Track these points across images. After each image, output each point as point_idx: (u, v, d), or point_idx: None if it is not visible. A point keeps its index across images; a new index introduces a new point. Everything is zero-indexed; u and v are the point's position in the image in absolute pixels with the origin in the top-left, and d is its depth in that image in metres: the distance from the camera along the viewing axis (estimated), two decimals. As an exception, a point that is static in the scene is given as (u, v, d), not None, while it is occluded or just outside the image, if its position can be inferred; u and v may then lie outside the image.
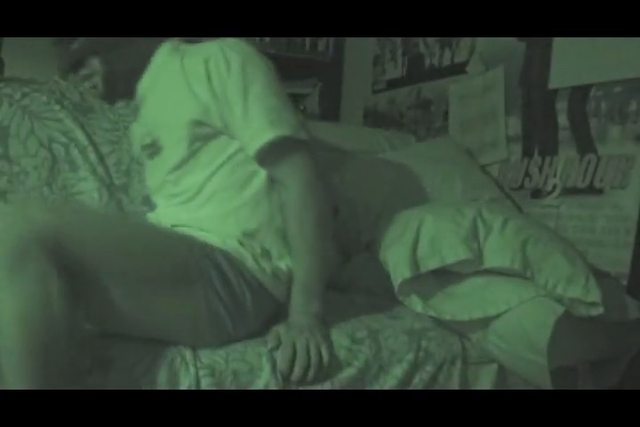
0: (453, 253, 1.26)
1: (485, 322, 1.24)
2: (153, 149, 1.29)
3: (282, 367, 1.10)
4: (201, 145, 1.23)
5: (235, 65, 1.20)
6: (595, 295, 1.20)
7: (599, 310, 1.20)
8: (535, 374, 1.22)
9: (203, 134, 1.22)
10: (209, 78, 1.20)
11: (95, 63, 1.29)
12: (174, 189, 1.27)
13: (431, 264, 1.27)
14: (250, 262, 1.18)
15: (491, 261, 1.26)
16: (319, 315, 1.19)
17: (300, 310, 1.19)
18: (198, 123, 1.21)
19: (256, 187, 1.24)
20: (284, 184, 1.21)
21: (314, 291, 1.19)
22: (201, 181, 1.24)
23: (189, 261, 1.11)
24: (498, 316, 1.22)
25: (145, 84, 1.31)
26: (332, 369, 1.13)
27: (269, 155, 1.20)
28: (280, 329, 1.15)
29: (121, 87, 1.32)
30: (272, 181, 1.24)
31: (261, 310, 1.19)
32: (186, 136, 1.22)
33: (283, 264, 1.23)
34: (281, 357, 1.10)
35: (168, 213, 1.28)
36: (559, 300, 1.21)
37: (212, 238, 1.19)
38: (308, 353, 1.11)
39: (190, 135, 1.22)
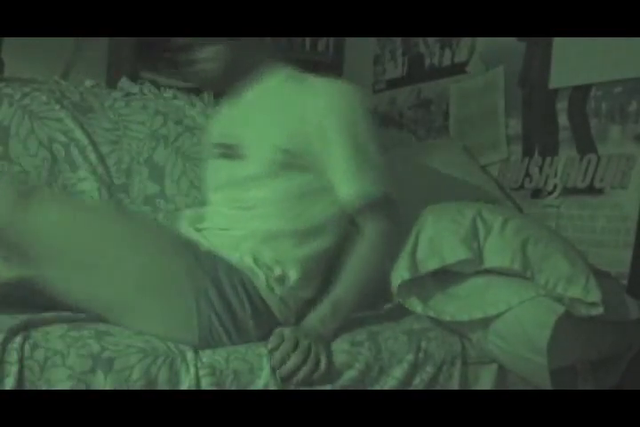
0: (453, 253, 1.26)
1: (485, 322, 1.24)
2: (230, 151, 1.32)
3: (276, 358, 1.09)
4: (283, 170, 1.26)
5: (350, 115, 1.26)
6: (595, 295, 1.20)
7: (599, 310, 1.20)
8: (535, 373, 1.22)
9: (289, 162, 1.26)
10: (323, 117, 1.24)
11: (216, 48, 1.30)
12: (238, 194, 1.30)
13: (431, 265, 1.27)
14: (260, 281, 1.20)
15: (491, 260, 1.26)
16: (330, 334, 1.19)
17: (320, 318, 1.19)
18: (292, 153, 1.25)
19: (315, 221, 1.28)
20: (363, 231, 1.28)
21: (342, 310, 1.22)
22: (269, 198, 1.27)
23: (180, 270, 1.14)
24: (498, 316, 1.22)
25: (249, 94, 1.34)
26: (332, 373, 1.13)
27: (363, 207, 1.27)
28: (285, 330, 1.15)
29: (231, 79, 1.34)
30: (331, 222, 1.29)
31: (262, 328, 1.19)
32: (273, 159, 1.25)
33: (301, 293, 1.25)
34: (279, 349, 1.10)
35: (219, 213, 1.32)
36: (559, 300, 1.21)
37: (227, 251, 1.21)
38: (306, 354, 1.11)
39: (278, 159, 1.25)
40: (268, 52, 1.37)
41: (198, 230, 1.30)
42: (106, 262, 1.13)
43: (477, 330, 1.26)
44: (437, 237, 1.29)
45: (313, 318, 1.20)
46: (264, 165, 1.27)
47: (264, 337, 1.17)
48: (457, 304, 1.26)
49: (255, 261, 1.22)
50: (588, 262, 1.32)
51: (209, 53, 1.31)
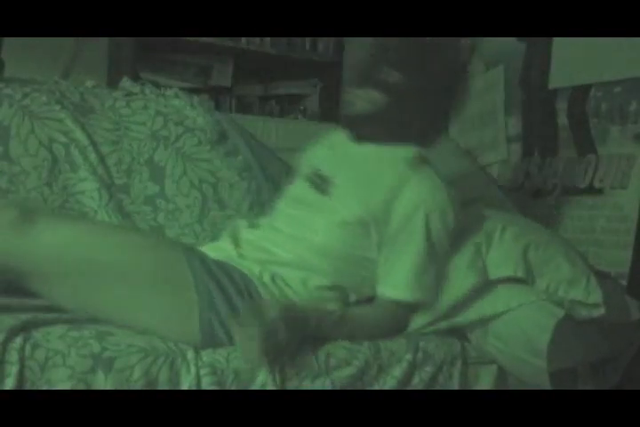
0: (465, 282, 1.27)
1: (485, 324, 1.24)
2: (321, 183, 1.33)
3: (243, 319, 1.07)
4: (353, 226, 1.27)
5: (439, 224, 1.26)
6: (596, 297, 1.21)
7: (600, 311, 1.20)
8: (534, 376, 1.22)
9: (362, 223, 1.27)
10: (415, 210, 1.26)
11: (391, 75, 1.28)
12: (304, 219, 1.31)
13: (447, 299, 1.28)
14: (268, 293, 1.21)
15: (495, 273, 1.27)
16: (314, 333, 1.17)
17: (321, 315, 1.18)
18: (370, 220, 1.26)
19: (352, 281, 1.30)
20: (382, 306, 1.28)
21: (345, 322, 1.21)
22: (328, 243, 1.28)
23: (185, 272, 1.15)
24: (497, 317, 1.23)
25: (371, 149, 1.33)
26: (330, 368, 1.14)
27: (388, 301, 1.28)
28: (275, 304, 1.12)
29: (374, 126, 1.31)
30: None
31: None
32: (352, 213, 1.27)
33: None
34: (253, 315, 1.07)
35: (274, 228, 1.33)
36: (560, 303, 1.21)
37: (250, 264, 1.25)
38: (276, 332, 1.06)
39: (355, 215, 1.27)
40: (425, 122, 1.35)
41: (236, 240, 1.33)
42: (107, 276, 1.13)
43: (476, 331, 1.26)
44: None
45: (314, 310, 1.18)
46: (341, 212, 1.28)
47: None
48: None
49: (273, 278, 1.24)
50: (589, 263, 1.32)
51: (368, 95, 1.29)
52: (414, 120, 1.32)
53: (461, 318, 1.25)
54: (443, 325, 1.26)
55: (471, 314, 1.25)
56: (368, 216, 1.26)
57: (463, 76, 1.42)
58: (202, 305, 1.13)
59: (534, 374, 1.22)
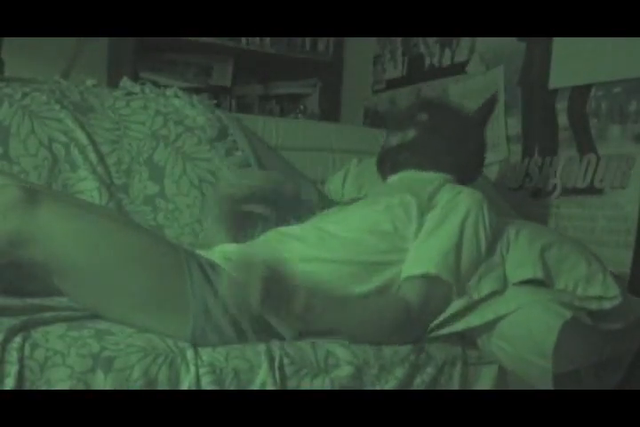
0: (482, 288, 1.27)
1: (491, 324, 1.24)
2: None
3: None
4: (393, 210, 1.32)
5: (478, 211, 1.31)
6: (614, 290, 1.24)
7: (618, 301, 1.23)
8: (538, 377, 1.22)
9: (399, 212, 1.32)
10: (455, 200, 1.32)
11: (422, 116, 1.51)
12: (330, 229, 1.33)
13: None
14: None
15: (515, 276, 1.27)
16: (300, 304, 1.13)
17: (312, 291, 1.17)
18: (407, 203, 1.32)
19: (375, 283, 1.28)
20: (405, 293, 1.25)
21: (346, 302, 1.21)
22: (345, 252, 1.28)
23: (180, 271, 1.15)
24: (504, 318, 1.23)
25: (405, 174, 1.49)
26: (329, 367, 1.14)
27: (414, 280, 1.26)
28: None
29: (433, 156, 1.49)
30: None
31: (259, 332, 1.18)
32: (390, 203, 1.34)
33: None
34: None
35: (301, 237, 1.32)
36: (567, 304, 1.21)
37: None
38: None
39: (394, 203, 1.34)
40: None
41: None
42: (108, 271, 1.12)
43: (482, 332, 1.26)
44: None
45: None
46: (383, 201, 1.36)
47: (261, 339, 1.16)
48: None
49: None
50: (601, 259, 1.33)
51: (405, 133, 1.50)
52: (441, 153, 1.48)
53: (477, 320, 1.24)
54: (459, 326, 1.24)
55: (487, 315, 1.24)
56: (412, 198, 1.33)
57: (478, 134, 1.59)
58: (195, 310, 1.12)
59: (538, 375, 1.21)
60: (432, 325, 1.24)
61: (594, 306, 1.23)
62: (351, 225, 1.33)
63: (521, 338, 1.21)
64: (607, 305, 1.23)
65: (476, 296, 1.24)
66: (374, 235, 1.30)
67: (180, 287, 1.14)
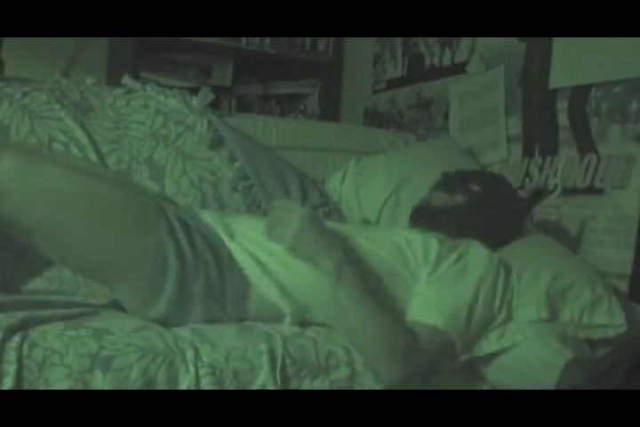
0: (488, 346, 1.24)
1: (494, 356, 1.24)
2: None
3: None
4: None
5: (489, 273, 1.26)
6: (619, 318, 1.24)
7: (622, 329, 1.23)
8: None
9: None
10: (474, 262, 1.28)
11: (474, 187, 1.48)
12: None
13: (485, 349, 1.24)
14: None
15: (520, 316, 1.25)
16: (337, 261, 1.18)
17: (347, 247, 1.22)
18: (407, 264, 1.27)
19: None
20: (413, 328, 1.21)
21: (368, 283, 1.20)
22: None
23: (147, 211, 1.20)
24: (505, 351, 1.22)
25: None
26: (330, 368, 1.14)
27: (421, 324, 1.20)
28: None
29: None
30: None
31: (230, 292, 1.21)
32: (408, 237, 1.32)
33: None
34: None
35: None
36: (567, 338, 1.21)
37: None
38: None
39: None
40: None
41: None
42: (72, 221, 1.16)
43: (483, 362, 1.24)
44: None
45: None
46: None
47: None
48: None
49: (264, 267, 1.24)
50: (606, 280, 1.33)
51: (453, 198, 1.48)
52: (480, 229, 1.42)
53: (481, 349, 1.23)
54: (462, 358, 1.23)
55: (491, 345, 1.23)
56: (436, 241, 1.31)
57: (521, 219, 1.56)
58: (153, 270, 1.16)
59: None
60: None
61: (598, 335, 1.24)
62: (380, 243, 1.29)
63: (520, 371, 1.22)
64: (611, 333, 1.24)
65: (477, 353, 1.22)
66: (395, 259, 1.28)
67: (143, 243, 1.16)
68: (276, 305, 1.23)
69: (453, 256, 1.28)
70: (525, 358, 1.21)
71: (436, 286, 1.24)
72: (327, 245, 1.19)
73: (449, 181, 1.51)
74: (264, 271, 1.23)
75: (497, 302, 1.24)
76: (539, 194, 1.61)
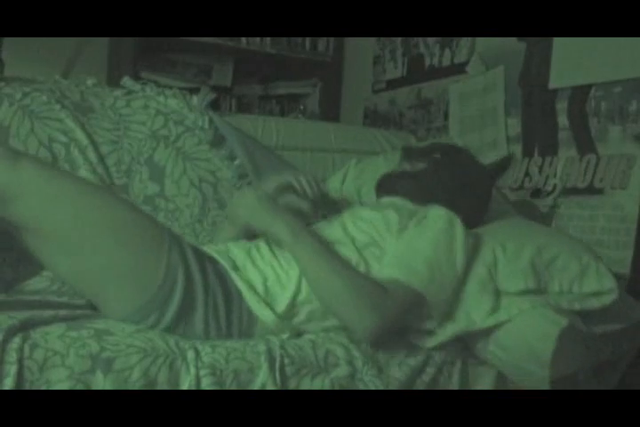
0: (478, 311, 1.24)
1: (487, 332, 1.23)
2: None
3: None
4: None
5: (437, 225, 1.29)
6: (609, 282, 1.23)
7: (613, 297, 1.22)
8: (535, 384, 1.21)
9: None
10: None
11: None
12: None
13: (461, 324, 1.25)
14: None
15: (507, 288, 1.25)
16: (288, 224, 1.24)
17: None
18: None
19: None
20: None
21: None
22: None
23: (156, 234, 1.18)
24: (500, 326, 1.22)
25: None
26: (327, 366, 1.14)
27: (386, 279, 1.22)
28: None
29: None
30: None
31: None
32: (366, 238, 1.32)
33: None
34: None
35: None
36: (562, 310, 1.21)
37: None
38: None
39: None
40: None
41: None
42: (84, 234, 1.14)
43: (480, 337, 1.25)
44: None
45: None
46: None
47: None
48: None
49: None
50: (592, 249, 1.32)
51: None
52: (441, 194, 1.45)
53: (472, 325, 1.23)
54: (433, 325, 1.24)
55: (487, 320, 1.22)
56: (395, 214, 1.34)
57: (485, 187, 1.57)
58: (164, 289, 1.14)
59: (535, 382, 1.21)
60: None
61: (594, 304, 1.22)
62: (344, 230, 1.33)
63: (517, 346, 1.21)
64: (607, 300, 1.22)
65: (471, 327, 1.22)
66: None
67: (154, 265, 1.14)
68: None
69: (414, 220, 1.31)
70: (522, 332, 1.20)
71: (397, 245, 1.28)
72: (282, 216, 1.25)
73: (411, 152, 1.55)
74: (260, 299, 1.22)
75: (458, 257, 1.25)
76: (504, 162, 1.61)
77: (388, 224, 1.32)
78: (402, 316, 1.20)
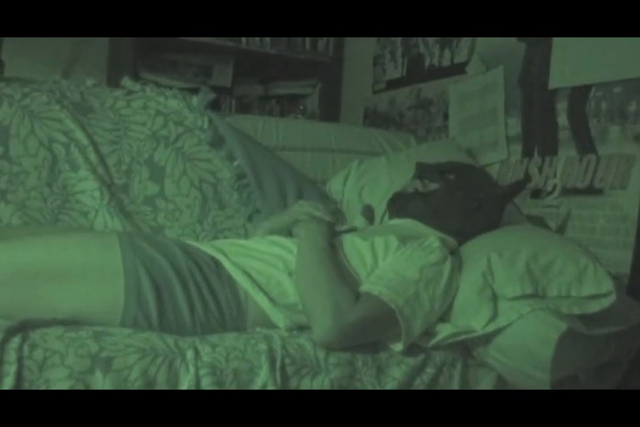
0: (477, 318, 1.25)
1: (487, 336, 1.23)
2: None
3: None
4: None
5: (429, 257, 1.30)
6: (607, 284, 1.22)
7: (612, 299, 1.21)
8: (536, 387, 1.21)
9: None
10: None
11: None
12: None
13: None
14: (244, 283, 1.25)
15: (505, 294, 1.25)
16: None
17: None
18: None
19: None
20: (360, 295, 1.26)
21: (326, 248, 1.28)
22: None
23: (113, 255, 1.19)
24: (500, 331, 1.21)
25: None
26: (327, 366, 1.14)
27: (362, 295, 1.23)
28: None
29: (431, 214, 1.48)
30: None
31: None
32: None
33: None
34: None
35: None
36: (561, 314, 1.20)
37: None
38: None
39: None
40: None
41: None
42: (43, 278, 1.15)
43: (480, 342, 1.25)
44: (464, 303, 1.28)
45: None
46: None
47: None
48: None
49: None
50: (589, 251, 1.32)
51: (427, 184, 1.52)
52: (453, 216, 1.47)
53: (471, 330, 1.24)
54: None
55: (487, 326, 1.23)
56: (396, 240, 1.35)
57: (498, 209, 1.56)
58: (128, 291, 1.15)
59: (536, 386, 1.21)
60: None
61: (593, 307, 1.22)
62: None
63: (517, 350, 1.21)
64: (606, 303, 1.21)
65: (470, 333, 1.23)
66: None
67: (113, 275, 1.16)
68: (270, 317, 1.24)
69: (408, 245, 1.33)
70: (521, 336, 1.20)
71: (388, 263, 1.30)
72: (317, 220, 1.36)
73: (424, 171, 1.54)
74: (254, 285, 1.25)
75: (439, 291, 1.25)
76: (519, 185, 1.60)
77: (387, 246, 1.33)
78: (362, 327, 1.18)
